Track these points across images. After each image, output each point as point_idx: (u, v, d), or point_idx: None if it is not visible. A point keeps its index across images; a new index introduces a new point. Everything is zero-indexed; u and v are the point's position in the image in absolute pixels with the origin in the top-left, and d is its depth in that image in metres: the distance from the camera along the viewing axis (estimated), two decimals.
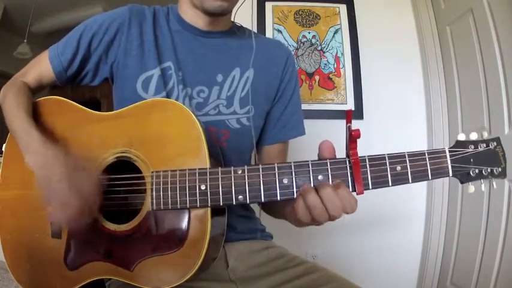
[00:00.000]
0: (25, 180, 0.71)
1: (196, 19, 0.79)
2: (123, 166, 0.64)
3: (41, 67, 0.78)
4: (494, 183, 0.51)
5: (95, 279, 0.65)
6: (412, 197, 1.73)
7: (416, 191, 1.73)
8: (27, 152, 0.63)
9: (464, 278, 1.50)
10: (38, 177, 0.60)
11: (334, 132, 1.62)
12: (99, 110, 0.69)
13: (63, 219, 0.60)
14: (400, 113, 1.74)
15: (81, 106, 0.71)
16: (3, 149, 0.74)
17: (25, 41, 3.56)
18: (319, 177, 0.52)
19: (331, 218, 0.53)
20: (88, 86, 0.83)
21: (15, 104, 0.70)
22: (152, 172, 0.60)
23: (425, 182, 1.72)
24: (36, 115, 0.71)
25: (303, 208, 0.53)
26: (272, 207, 0.80)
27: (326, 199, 0.51)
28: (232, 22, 0.86)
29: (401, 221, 1.72)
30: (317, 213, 0.52)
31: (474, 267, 1.44)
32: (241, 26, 0.88)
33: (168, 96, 0.75)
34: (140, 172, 0.62)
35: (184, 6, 0.79)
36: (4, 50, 3.88)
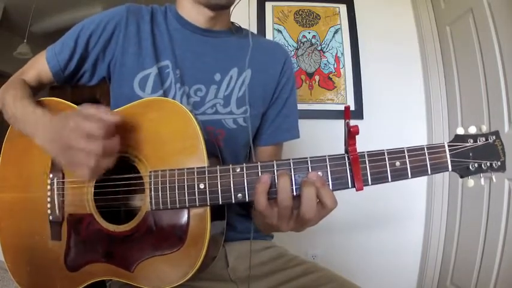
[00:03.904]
0: (24, 183, 0.71)
1: (196, 16, 0.78)
2: (122, 166, 0.63)
3: (39, 67, 0.78)
4: (493, 177, 0.51)
5: (95, 280, 0.64)
6: (412, 197, 1.73)
7: (417, 190, 1.73)
8: (37, 131, 0.62)
9: (464, 278, 1.50)
10: (53, 148, 0.57)
11: (334, 132, 1.63)
12: None
13: (87, 168, 0.54)
14: (400, 112, 1.74)
15: (78, 107, 0.71)
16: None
17: (25, 41, 3.56)
18: (319, 173, 0.52)
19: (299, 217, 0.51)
20: (86, 85, 0.82)
21: (14, 95, 0.70)
22: (150, 172, 0.59)
23: (425, 182, 1.72)
24: None
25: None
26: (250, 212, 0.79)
27: (303, 196, 0.50)
28: (232, 23, 0.86)
29: (401, 221, 1.72)
30: (281, 200, 0.50)
31: (474, 267, 1.44)
32: (240, 26, 0.88)
33: (165, 94, 0.74)
34: (138, 172, 0.62)
35: (184, 3, 0.79)
36: (4, 50, 3.88)
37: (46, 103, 0.73)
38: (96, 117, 0.54)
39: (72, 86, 0.83)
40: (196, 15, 0.78)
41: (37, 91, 0.79)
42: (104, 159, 0.54)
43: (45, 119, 0.62)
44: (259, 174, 0.53)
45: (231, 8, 0.82)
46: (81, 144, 0.53)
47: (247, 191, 0.54)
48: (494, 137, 0.51)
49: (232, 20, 0.87)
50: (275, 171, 0.53)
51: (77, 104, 0.71)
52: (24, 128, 0.66)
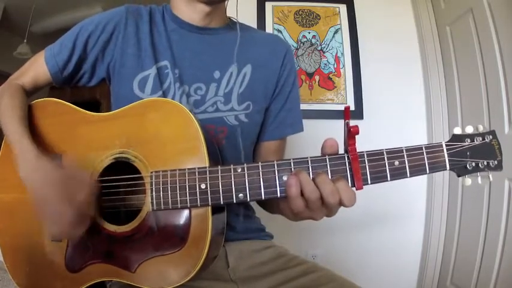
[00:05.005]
0: (22, 183, 0.71)
1: (191, 14, 0.78)
2: (122, 167, 0.63)
3: (37, 68, 0.77)
4: (490, 176, 0.52)
5: (96, 281, 0.64)
6: (412, 197, 1.73)
7: (417, 190, 1.73)
8: (20, 163, 0.63)
9: (464, 278, 1.50)
10: (30, 190, 0.60)
11: (335, 133, 1.62)
12: (99, 110, 0.69)
13: (58, 230, 0.59)
14: (400, 113, 1.74)
15: (77, 108, 0.71)
16: None
17: (25, 41, 3.56)
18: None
19: (326, 205, 0.51)
20: (86, 86, 0.82)
21: (10, 107, 0.69)
22: (151, 172, 0.59)
23: (425, 182, 1.72)
24: (33, 117, 0.71)
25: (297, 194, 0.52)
26: (268, 202, 0.80)
27: (320, 183, 0.50)
28: (229, 18, 0.86)
29: (401, 221, 1.72)
30: (309, 192, 0.51)
31: (474, 267, 1.44)
32: (237, 21, 0.87)
33: (164, 95, 0.74)
34: (139, 173, 0.62)
35: (178, 3, 0.79)
36: (4, 50, 3.88)
37: (44, 104, 0.73)
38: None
39: (71, 86, 0.83)
40: (191, 13, 0.78)
41: (35, 92, 0.79)
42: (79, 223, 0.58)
43: (31, 156, 0.62)
44: (260, 173, 0.54)
45: (225, 3, 0.81)
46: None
47: (249, 191, 0.54)
48: (491, 137, 0.52)
49: (227, 15, 0.86)
50: (276, 171, 0.53)
51: (76, 105, 0.71)
52: (11, 147, 0.66)
